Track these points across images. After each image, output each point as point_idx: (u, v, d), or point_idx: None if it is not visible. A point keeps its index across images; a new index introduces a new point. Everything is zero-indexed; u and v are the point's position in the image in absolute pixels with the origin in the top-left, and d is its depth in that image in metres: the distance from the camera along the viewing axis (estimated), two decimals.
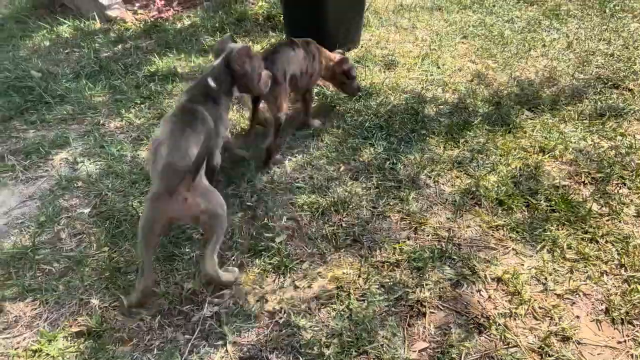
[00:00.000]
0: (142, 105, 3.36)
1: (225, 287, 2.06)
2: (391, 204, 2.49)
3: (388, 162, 2.75)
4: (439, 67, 3.72)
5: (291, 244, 2.27)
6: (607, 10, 4.75)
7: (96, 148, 2.97)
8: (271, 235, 2.30)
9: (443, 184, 2.61)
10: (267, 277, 2.12)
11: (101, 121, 3.23)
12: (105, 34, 4.39)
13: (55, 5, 4.97)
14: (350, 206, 2.46)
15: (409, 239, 2.28)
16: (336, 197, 2.51)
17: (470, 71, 3.67)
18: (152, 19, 4.57)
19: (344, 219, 2.40)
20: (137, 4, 4.84)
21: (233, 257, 2.20)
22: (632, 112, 3.14)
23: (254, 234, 2.32)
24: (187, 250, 2.25)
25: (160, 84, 3.59)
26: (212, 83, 2.22)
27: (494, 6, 4.88)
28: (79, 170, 2.80)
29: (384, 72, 3.69)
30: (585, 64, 3.77)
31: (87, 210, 2.51)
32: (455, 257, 2.17)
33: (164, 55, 3.97)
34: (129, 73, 3.75)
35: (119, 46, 4.19)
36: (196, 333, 1.91)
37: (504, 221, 2.35)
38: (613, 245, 2.20)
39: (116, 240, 2.32)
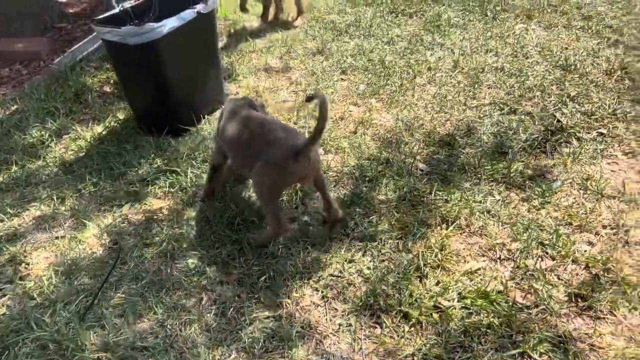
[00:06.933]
0: None
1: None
2: (271, 346, 1.89)
3: (264, 277, 2.15)
4: None
5: None
6: (489, 13, 4.43)
7: None
8: None
9: (333, 299, 2.04)
10: None
11: None
12: None
13: None
14: None
15: None
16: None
17: (352, 119, 3.14)
18: None
19: None
20: None
21: None
22: (536, 143, 2.74)
23: None
24: None
25: None
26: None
27: (371, 26, 4.42)
28: None
29: None
30: (475, 85, 3.36)
31: None
32: None
33: None
34: None
35: None
36: None
37: (414, 347, 1.82)
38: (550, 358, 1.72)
39: None
